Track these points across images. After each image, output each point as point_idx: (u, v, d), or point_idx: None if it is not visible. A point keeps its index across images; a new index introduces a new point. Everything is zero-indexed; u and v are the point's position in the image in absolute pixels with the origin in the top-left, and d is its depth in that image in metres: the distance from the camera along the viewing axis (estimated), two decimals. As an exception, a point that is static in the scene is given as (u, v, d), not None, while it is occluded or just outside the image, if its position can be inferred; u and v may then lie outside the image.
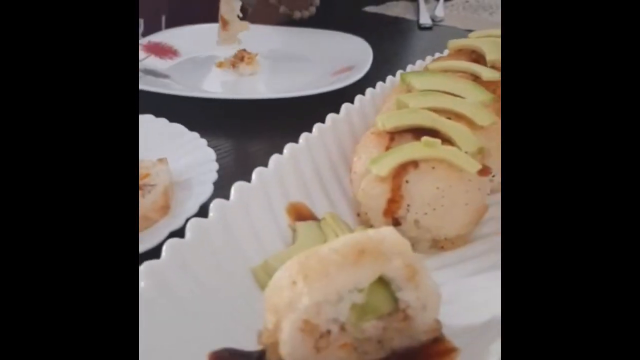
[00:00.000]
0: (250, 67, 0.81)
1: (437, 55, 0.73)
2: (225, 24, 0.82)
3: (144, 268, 0.34)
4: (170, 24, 0.95)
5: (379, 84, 0.63)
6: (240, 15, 0.83)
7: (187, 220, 0.40)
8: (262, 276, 0.39)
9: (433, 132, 0.44)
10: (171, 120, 0.58)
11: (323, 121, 0.53)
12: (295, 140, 0.49)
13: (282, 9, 1.07)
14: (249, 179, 0.44)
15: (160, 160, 0.48)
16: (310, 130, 0.51)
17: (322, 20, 1.11)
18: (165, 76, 0.77)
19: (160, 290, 0.33)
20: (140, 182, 0.46)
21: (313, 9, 1.10)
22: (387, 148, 0.45)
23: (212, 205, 0.40)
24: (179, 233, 0.39)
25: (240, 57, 0.82)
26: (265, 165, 0.46)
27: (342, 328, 0.32)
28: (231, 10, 0.82)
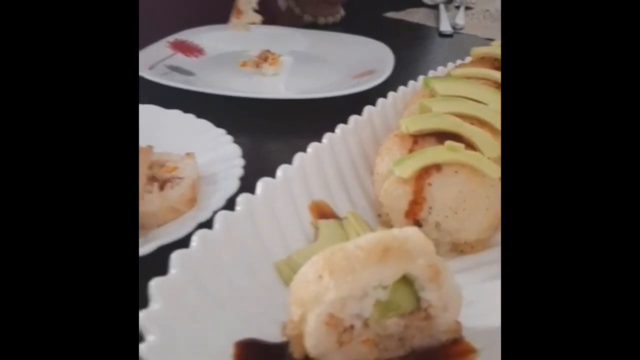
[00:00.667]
0: (274, 68, 0.83)
1: (458, 62, 0.73)
2: (239, 13, 0.84)
3: (175, 256, 0.35)
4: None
5: (401, 88, 0.64)
6: (256, 8, 0.84)
7: (214, 212, 0.41)
8: (286, 271, 0.40)
9: (456, 137, 0.45)
10: (198, 116, 0.59)
11: (344, 123, 0.54)
12: (316, 140, 0.50)
13: (306, 17, 1.09)
14: (271, 176, 0.45)
15: (188, 154, 0.50)
16: (331, 131, 0.52)
17: (344, 25, 1.13)
18: (190, 73, 0.79)
19: (189, 278, 0.34)
20: (169, 175, 0.47)
21: (338, 17, 1.12)
22: (411, 151, 0.46)
23: (239, 199, 0.41)
24: (207, 225, 0.41)
25: (264, 58, 0.83)
26: (287, 163, 0.47)
27: (365, 324, 0.32)
28: (247, 3, 0.83)
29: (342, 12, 1.14)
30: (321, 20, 1.10)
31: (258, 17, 0.84)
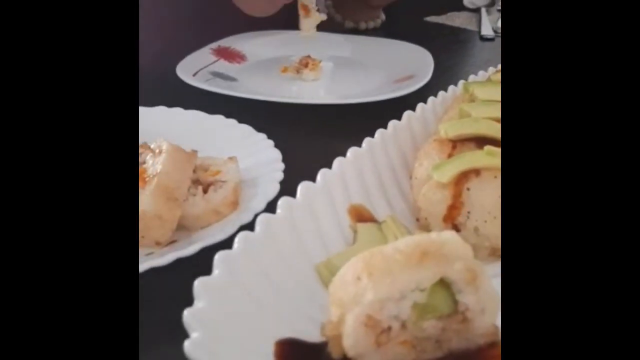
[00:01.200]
0: (314, 73, 0.84)
1: (499, 66, 0.73)
2: (306, 10, 0.85)
3: (218, 257, 0.36)
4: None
5: (441, 93, 0.64)
6: (316, 7, 0.85)
7: (255, 215, 0.43)
8: (325, 273, 0.40)
9: (495, 142, 0.45)
10: (240, 121, 0.61)
11: (383, 127, 0.54)
12: (356, 145, 0.51)
13: (347, 23, 1.10)
14: (311, 179, 0.45)
15: (231, 158, 0.51)
16: (371, 135, 0.53)
17: (384, 29, 1.13)
18: (233, 79, 0.81)
19: (232, 278, 0.36)
20: (212, 179, 0.49)
21: (379, 21, 1.13)
22: (449, 156, 0.46)
23: (280, 203, 0.42)
24: (248, 227, 0.42)
25: (305, 64, 0.84)
26: (327, 167, 0.47)
27: (403, 325, 0.33)
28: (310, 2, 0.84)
29: (382, 16, 1.14)
30: (362, 26, 1.11)
31: (323, 16, 0.85)
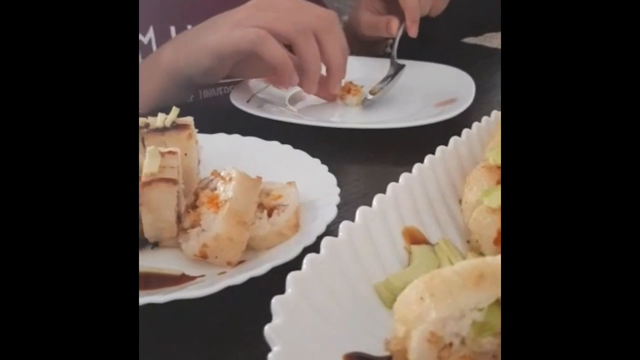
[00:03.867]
0: (356, 98, 0.87)
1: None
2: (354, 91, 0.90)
3: (290, 278, 0.39)
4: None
5: (485, 118, 0.67)
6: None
7: (317, 237, 0.46)
8: (384, 292, 0.44)
9: (542, 169, 0.48)
10: (294, 146, 0.65)
11: (427, 151, 0.57)
12: (401, 166, 0.54)
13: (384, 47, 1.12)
14: (362, 203, 0.49)
15: (290, 183, 0.55)
16: (416, 159, 0.56)
17: (422, 51, 1.16)
18: (283, 105, 0.85)
19: (303, 298, 0.39)
20: (274, 203, 0.52)
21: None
22: (498, 182, 0.49)
23: (341, 226, 0.46)
24: (311, 248, 0.46)
25: (347, 89, 0.88)
26: (376, 190, 0.51)
27: (463, 341, 0.36)
28: None
29: (388, 49, 1.15)
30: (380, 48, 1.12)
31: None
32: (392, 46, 0.98)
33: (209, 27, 0.77)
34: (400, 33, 0.96)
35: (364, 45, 1.06)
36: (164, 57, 0.80)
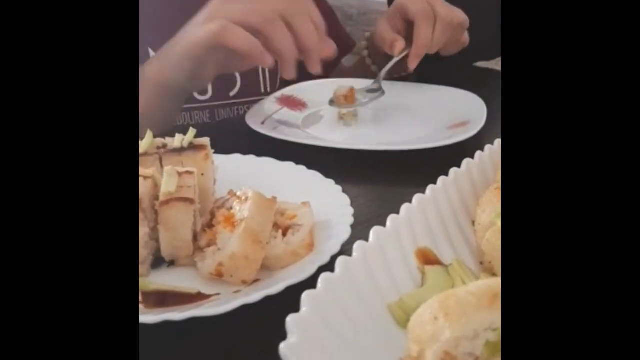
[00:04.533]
0: (349, 106, 0.89)
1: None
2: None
3: (305, 297, 0.40)
4: None
5: (497, 140, 0.67)
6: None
7: (331, 257, 0.47)
8: (398, 312, 0.44)
9: (555, 191, 0.48)
10: (307, 167, 0.66)
11: (440, 173, 0.58)
12: (414, 187, 0.55)
13: (373, 67, 1.11)
14: (376, 224, 0.49)
15: (304, 203, 0.56)
16: (429, 181, 0.56)
17: (433, 75, 1.17)
18: (297, 127, 0.87)
19: (318, 316, 0.40)
20: (290, 222, 0.53)
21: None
22: (511, 203, 0.49)
23: (355, 246, 0.46)
24: (326, 268, 0.46)
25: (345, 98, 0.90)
26: (389, 211, 0.51)
27: (476, 361, 0.36)
28: None
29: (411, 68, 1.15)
30: (395, 75, 1.13)
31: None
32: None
33: (184, 32, 0.78)
34: (400, 57, 0.96)
35: (385, 58, 1.07)
36: (150, 71, 0.80)
